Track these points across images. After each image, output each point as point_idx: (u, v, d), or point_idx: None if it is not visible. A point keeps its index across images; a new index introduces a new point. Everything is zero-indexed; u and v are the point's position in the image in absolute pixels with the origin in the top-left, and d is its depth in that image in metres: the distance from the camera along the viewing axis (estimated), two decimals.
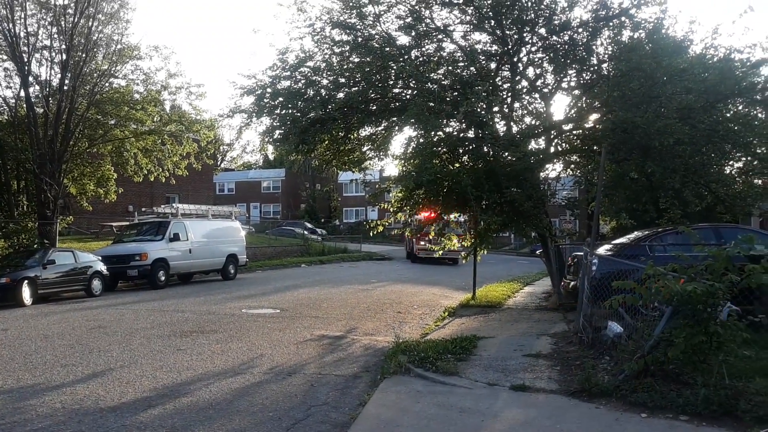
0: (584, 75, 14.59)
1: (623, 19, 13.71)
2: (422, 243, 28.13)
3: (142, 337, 10.13)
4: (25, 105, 24.50)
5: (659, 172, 12.00)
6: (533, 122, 14.44)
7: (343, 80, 15.01)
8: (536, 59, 14.95)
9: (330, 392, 6.88)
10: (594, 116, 14.55)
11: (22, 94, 24.58)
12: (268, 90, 14.68)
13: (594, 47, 14.12)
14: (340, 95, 14.72)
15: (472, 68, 14.58)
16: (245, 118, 14.85)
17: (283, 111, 14.68)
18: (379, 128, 15.99)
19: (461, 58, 14.75)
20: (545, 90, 14.77)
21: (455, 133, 14.21)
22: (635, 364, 6.26)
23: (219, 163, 49.73)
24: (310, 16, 14.56)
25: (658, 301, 6.48)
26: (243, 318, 12.55)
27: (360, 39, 14.56)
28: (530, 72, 15.03)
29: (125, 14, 25.87)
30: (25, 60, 24.06)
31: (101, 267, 18.38)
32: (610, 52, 14.07)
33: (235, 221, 24.84)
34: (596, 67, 14.31)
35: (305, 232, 42.01)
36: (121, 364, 8.11)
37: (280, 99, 14.54)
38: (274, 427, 5.62)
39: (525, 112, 14.87)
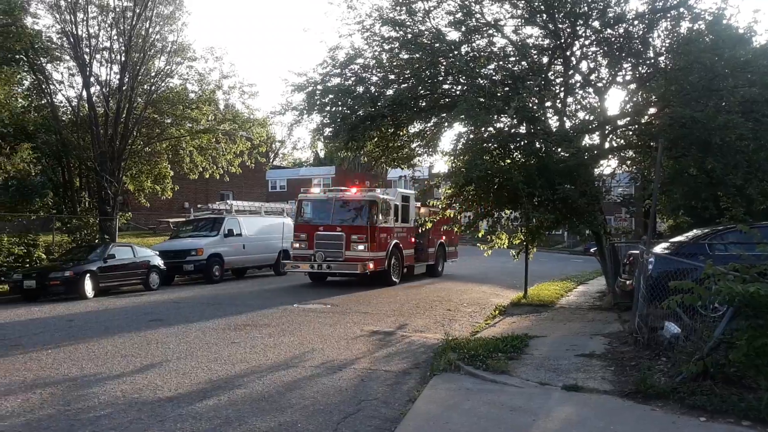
0: (640, 68, 14.19)
1: (681, 10, 13.27)
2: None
3: (197, 330, 10.42)
4: (86, 105, 25.48)
5: (720, 169, 11.56)
6: (587, 117, 14.13)
7: (392, 77, 15.04)
8: (590, 53, 14.63)
9: (380, 387, 6.92)
10: (651, 111, 14.14)
11: (84, 94, 25.58)
12: (319, 87, 14.84)
13: (650, 40, 13.71)
14: (390, 92, 14.75)
15: (523, 63, 14.38)
16: (296, 115, 15.07)
17: (334, 108, 14.80)
18: (429, 124, 15.96)
19: (512, 53, 14.57)
20: (599, 84, 14.43)
21: (506, 128, 14.04)
22: (694, 366, 6.07)
23: (272, 160, 50.56)
24: (359, 13, 14.65)
25: (719, 301, 6.26)
26: (294, 312, 12.75)
27: (409, 35, 14.55)
28: (584, 66, 14.73)
29: (180, 16, 26.58)
30: (87, 61, 25.02)
31: (158, 261, 18.96)
32: (667, 45, 13.64)
33: (287, 218, 25.23)
34: (653, 61, 13.89)
35: None
36: (177, 355, 8.36)
37: (331, 96, 14.68)
38: (325, 420, 5.70)
39: (578, 106, 14.56)
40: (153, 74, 26.21)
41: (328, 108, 14.83)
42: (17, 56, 24.30)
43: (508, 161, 13.90)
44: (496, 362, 7.51)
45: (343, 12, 14.92)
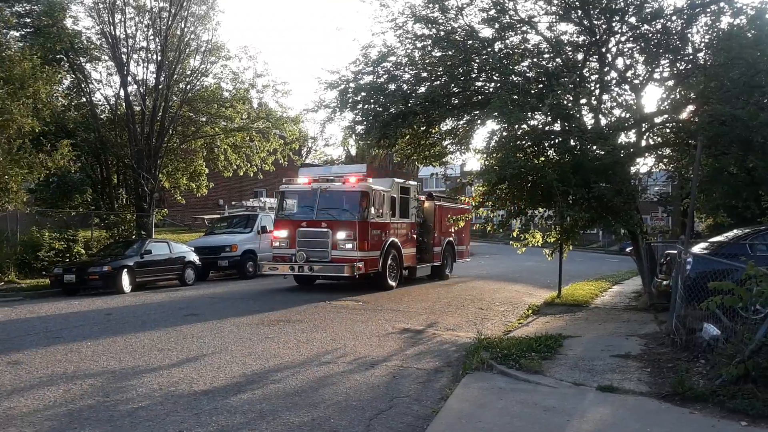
0: (678, 65, 13.89)
1: (722, 4, 12.94)
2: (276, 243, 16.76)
3: (231, 325, 10.57)
4: (124, 103, 26.06)
5: (762, 167, 11.24)
6: (623, 114, 13.89)
7: (424, 74, 15.01)
8: (626, 49, 14.38)
9: (412, 385, 6.92)
10: (689, 108, 13.82)
11: (122, 93, 26.18)
12: (351, 85, 14.89)
13: (689, 35, 13.41)
14: (422, 89, 14.73)
15: (558, 60, 14.21)
16: (329, 112, 15.14)
17: (366, 106, 14.84)
18: (461, 122, 15.88)
19: (546, 50, 14.40)
20: (636, 81, 14.17)
21: (540, 126, 13.90)
22: (735, 368, 5.92)
23: (305, 158, 50.88)
24: (392, 11, 14.64)
25: (760, 303, 6.10)
26: (327, 309, 12.83)
27: (442, 33, 14.50)
28: (620, 63, 14.48)
29: (214, 15, 26.96)
30: (124, 61, 25.57)
31: (194, 257, 19.28)
32: (707, 41, 13.32)
33: None
34: (692, 57, 13.59)
35: None
36: (212, 350, 8.50)
37: (363, 94, 14.71)
38: (357, 416, 5.72)
39: (614, 104, 14.34)
40: (188, 73, 26.66)
41: (360, 105, 14.87)
42: (58, 56, 24.93)
43: (542, 159, 13.75)
44: (529, 362, 7.44)
45: (376, 10, 14.89)
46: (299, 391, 6.49)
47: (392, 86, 14.79)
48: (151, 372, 7.16)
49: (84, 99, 26.43)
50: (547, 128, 13.95)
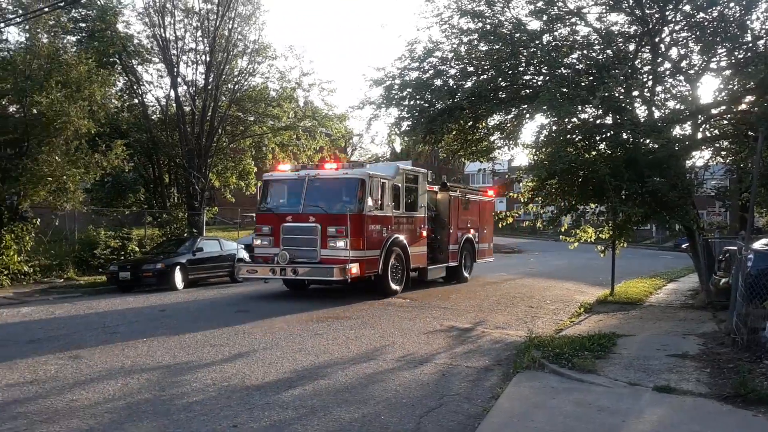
0: (736, 53, 13.33)
1: None
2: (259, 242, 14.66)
3: (281, 321, 10.70)
4: (174, 104, 26.68)
5: None
6: (677, 106, 13.45)
7: (471, 69, 14.85)
8: (680, 39, 13.91)
9: (462, 383, 6.86)
10: (748, 98, 13.28)
11: (172, 94, 26.80)
12: (397, 81, 14.85)
13: (748, 23, 12.87)
14: (468, 84, 14.57)
15: (608, 51, 13.85)
16: (374, 109, 15.13)
17: (411, 102, 14.78)
18: (509, 116, 15.66)
19: (596, 41, 14.06)
20: (691, 71, 13.69)
21: (591, 119, 13.58)
22: None
23: (350, 155, 51.24)
24: (437, 6, 14.54)
25: None
26: (374, 306, 12.85)
27: (488, 26, 14.31)
28: (673, 53, 14.02)
29: (260, 15, 27.33)
30: (174, 62, 26.17)
31: (244, 254, 19.60)
32: (767, 28, 12.77)
33: None
34: (751, 45, 13.03)
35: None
36: (263, 345, 8.61)
37: (408, 90, 14.66)
38: (407, 413, 5.70)
39: (668, 95, 13.87)
40: (236, 73, 27.09)
41: (405, 102, 14.83)
42: (111, 59, 25.70)
43: (594, 153, 13.45)
44: (582, 361, 7.29)
45: (421, 5, 14.86)
46: (349, 388, 6.52)
47: (438, 81, 14.70)
48: (204, 367, 7.31)
49: (136, 100, 27.19)
50: (598, 121, 13.63)
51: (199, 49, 26.45)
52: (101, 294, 15.64)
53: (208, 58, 25.82)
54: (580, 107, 12.83)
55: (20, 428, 5.10)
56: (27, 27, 22.86)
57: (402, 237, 14.84)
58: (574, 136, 13.21)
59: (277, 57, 27.56)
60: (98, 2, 25.54)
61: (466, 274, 18.44)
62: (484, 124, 16.06)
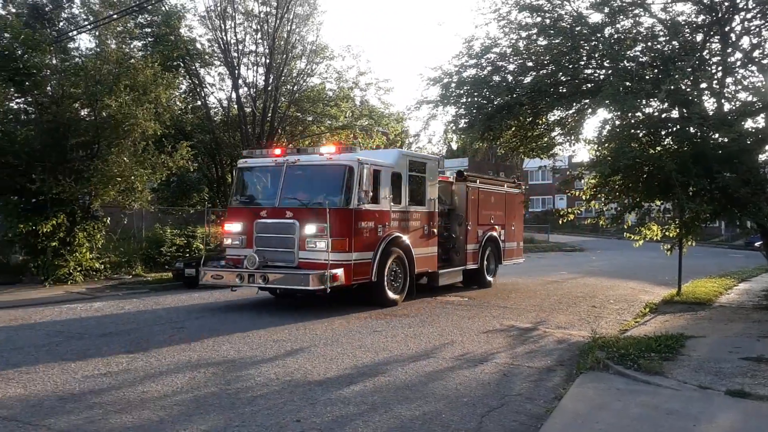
0: None
1: None
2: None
3: (341, 318, 10.82)
4: (236, 105, 27.34)
5: None
6: (749, 98, 12.84)
7: (530, 64, 14.60)
8: (753, 27, 13.26)
9: (523, 383, 6.77)
10: None
11: (233, 96, 27.46)
12: (454, 79, 14.75)
13: None
14: (527, 79, 14.35)
15: (674, 43, 13.35)
16: (431, 108, 15.08)
17: (469, 99, 14.66)
18: (570, 112, 15.31)
19: (661, 33, 13.58)
20: (764, 61, 13.05)
21: (656, 113, 13.14)
22: None
23: None
24: (495, 1, 14.36)
25: None
26: (432, 304, 12.83)
27: (548, 21, 14.03)
28: (745, 42, 13.38)
29: (317, 16, 27.65)
30: (235, 65, 26.80)
31: None
32: None
33: None
34: None
35: None
36: (324, 341, 8.73)
37: (466, 87, 14.54)
38: (469, 412, 5.67)
39: (739, 87, 13.26)
40: (295, 74, 27.52)
41: (463, 99, 14.72)
42: (175, 63, 26.52)
43: (659, 148, 13.00)
44: (648, 362, 7.07)
45: (479, 2, 14.70)
46: (409, 385, 6.53)
47: (496, 78, 14.51)
48: (267, 362, 7.46)
49: (199, 102, 27.97)
50: (663, 115, 13.18)
51: (258, 52, 27.01)
52: (167, 290, 16.17)
53: (267, 60, 26.33)
54: (644, 101, 12.42)
55: (96, 417, 5.34)
56: (97, 34, 23.89)
57: (404, 236, 12.66)
58: (639, 131, 12.82)
59: (334, 57, 27.85)
60: (163, 8, 26.40)
61: (489, 278, 16.10)
62: (544, 119, 15.76)
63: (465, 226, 15.11)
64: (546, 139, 16.22)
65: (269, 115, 26.08)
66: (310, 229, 11.24)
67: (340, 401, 5.90)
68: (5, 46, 16.07)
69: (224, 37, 26.37)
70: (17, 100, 17.35)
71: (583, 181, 15.08)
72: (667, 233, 13.86)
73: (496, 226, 16.51)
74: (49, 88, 16.83)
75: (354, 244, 11.38)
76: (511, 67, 14.75)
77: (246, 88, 27.38)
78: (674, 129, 12.80)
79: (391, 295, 12.31)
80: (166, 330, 9.76)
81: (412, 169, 13.28)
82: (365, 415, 5.51)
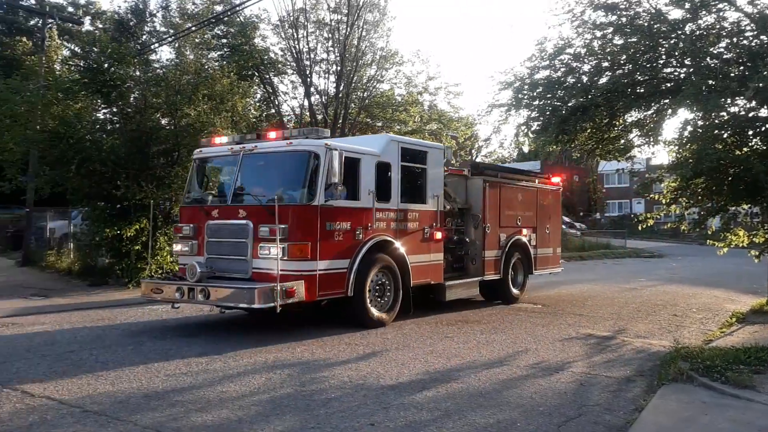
0: None
1: None
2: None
3: (412, 323, 10.79)
4: (308, 113, 27.91)
5: None
6: None
7: (606, 64, 14.17)
8: None
9: (601, 393, 6.56)
10: None
11: (305, 103, 28.07)
12: (526, 82, 14.50)
13: None
14: (603, 80, 13.94)
15: (762, 37, 12.63)
16: (503, 111, 14.88)
17: (542, 101, 14.37)
18: (648, 112, 14.74)
19: (749, 28, 12.88)
20: None
21: (742, 112, 12.46)
22: None
23: (475, 158, 50.79)
24: (568, 2, 14.04)
25: None
26: (504, 311, 12.64)
27: (624, 19, 13.61)
28: None
29: (387, 23, 27.90)
30: (307, 73, 27.38)
31: None
32: None
33: None
34: None
35: (563, 227, 40.86)
36: (395, 346, 8.76)
37: (539, 89, 14.27)
38: (545, 422, 5.54)
39: None
40: (365, 81, 27.84)
41: (536, 102, 14.45)
42: (250, 72, 27.33)
43: (746, 149, 12.33)
44: (737, 375, 6.70)
45: (551, 2, 14.40)
46: (483, 392, 6.45)
47: (570, 79, 14.17)
48: (340, 365, 7.55)
49: (273, 110, 28.73)
50: (751, 114, 12.48)
51: (330, 59, 27.51)
52: None
53: (338, 68, 26.76)
54: (729, 100, 11.82)
55: (178, 415, 5.54)
56: (176, 46, 24.95)
57: (395, 240, 10.56)
58: (723, 131, 12.20)
59: (403, 63, 28.04)
60: (238, 19, 27.30)
61: (515, 291, 13.85)
62: (621, 121, 15.25)
63: (483, 229, 12.92)
64: (623, 141, 15.68)
65: (340, 121, 26.46)
66: (263, 231, 9.08)
67: (413, 406, 5.89)
68: (94, 60, 17.01)
69: (296, 46, 27.02)
70: (104, 111, 18.34)
71: (662, 184, 14.45)
72: (755, 239, 13.11)
73: (525, 229, 14.18)
74: (132, 98, 17.67)
75: (321, 251, 9.22)
76: (586, 67, 14.37)
77: (318, 96, 27.93)
78: (763, 128, 12.12)
79: (375, 313, 10.17)
80: (241, 331, 10.04)
81: (408, 158, 11.12)
82: (438, 422, 5.48)
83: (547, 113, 14.19)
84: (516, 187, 14.21)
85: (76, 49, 32.70)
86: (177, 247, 10.54)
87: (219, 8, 27.44)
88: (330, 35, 27.24)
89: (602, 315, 12.35)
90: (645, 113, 14.67)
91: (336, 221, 9.58)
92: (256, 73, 27.62)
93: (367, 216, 10.14)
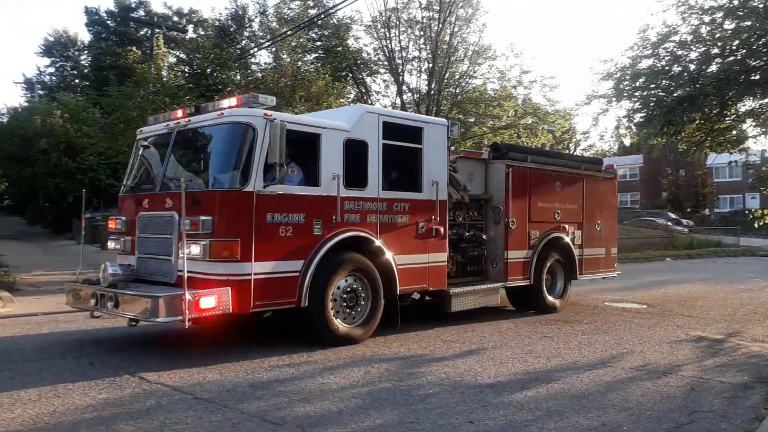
0: None
1: None
2: None
3: (508, 321, 10.62)
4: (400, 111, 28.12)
5: None
6: None
7: (715, 51, 13.39)
8: None
9: (715, 399, 6.17)
10: None
11: (398, 101, 28.25)
12: (627, 72, 13.99)
13: None
14: (712, 68, 13.19)
15: None
16: (604, 103, 14.41)
17: (645, 92, 13.81)
18: (764, 101, 13.80)
19: None
20: None
21: None
22: None
23: (572, 151, 49.19)
24: None
25: None
26: (606, 311, 12.18)
27: (736, 1, 12.78)
28: None
29: (479, 17, 27.59)
30: (399, 71, 27.54)
31: None
32: None
33: None
34: None
35: (669, 223, 38.89)
36: (492, 344, 8.65)
37: (641, 80, 13.72)
38: (653, 427, 5.29)
39: None
40: (457, 77, 27.66)
41: (638, 93, 13.89)
42: (344, 73, 27.86)
43: None
44: None
45: None
46: (585, 394, 6.24)
47: (676, 68, 13.51)
48: (437, 361, 7.54)
49: None
50: None
51: (421, 57, 27.55)
52: None
53: (430, 65, 26.75)
54: None
55: (282, 405, 5.74)
56: (273, 50, 25.81)
57: (374, 236, 8.55)
58: None
59: (496, 57, 27.61)
60: (332, 21, 27.90)
61: (552, 299, 11.66)
62: (733, 110, 14.35)
63: (506, 224, 10.75)
64: (736, 132, 14.76)
65: None
66: (186, 225, 7.25)
67: (512, 405, 5.80)
68: (198, 65, 17.97)
69: (389, 45, 27.25)
70: None
71: None
72: None
73: (566, 225, 11.88)
74: None
75: (258, 249, 7.35)
76: (693, 55, 13.66)
77: (410, 94, 28.05)
78: None
79: (341, 327, 8.22)
80: None
81: (394, 136, 8.94)
82: (539, 422, 5.36)
83: (651, 104, 13.62)
84: (553, 174, 11.82)
85: (182, 55, 34.64)
86: (110, 245, 8.91)
87: (313, 12, 28.17)
88: (422, 33, 27.27)
89: (714, 317, 11.63)
90: (760, 102, 13.74)
91: (282, 212, 7.61)
92: (350, 74, 28.13)
93: (331, 206, 8.07)
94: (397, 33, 27.36)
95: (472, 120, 28.35)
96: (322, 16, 26.72)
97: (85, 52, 44.65)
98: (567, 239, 11.89)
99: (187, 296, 6.86)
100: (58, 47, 44.28)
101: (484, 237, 10.73)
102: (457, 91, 27.32)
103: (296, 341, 8.46)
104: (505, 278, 10.76)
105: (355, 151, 8.44)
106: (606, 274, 13.22)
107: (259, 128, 7.44)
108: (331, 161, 8.14)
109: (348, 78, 28.58)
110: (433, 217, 9.36)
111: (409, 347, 8.37)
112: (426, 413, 5.52)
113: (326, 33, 28.75)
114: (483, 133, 27.86)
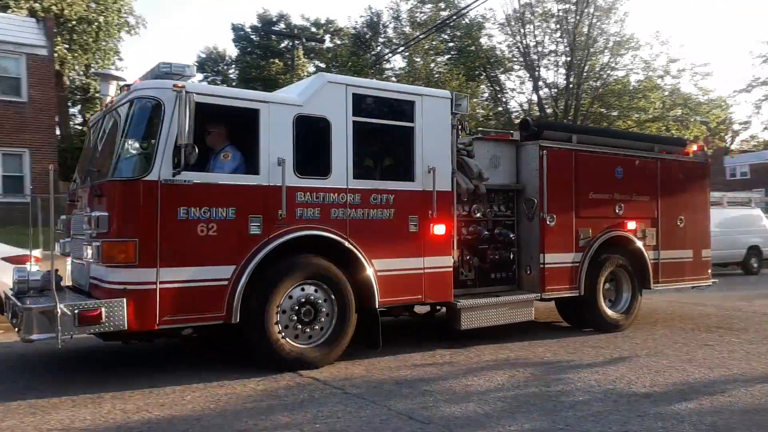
0: None
1: None
2: None
3: (662, 327, 9.96)
4: (536, 107, 27.36)
5: None
6: None
7: None
8: None
9: None
10: None
11: (533, 98, 27.59)
12: None
13: None
14: None
15: None
16: (767, 89, 13.02)
17: None
18: None
19: None
20: None
21: None
22: None
23: (730, 144, 45.39)
24: None
25: None
26: None
27: None
28: None
29: (620, 6, 26.23)
30: (535, 66, 26.85)
31: None
32: None
33: (755, 209, 22.28)
34: None
35: None
36: (646, 352, 8.13)
37: None
38: None
39: None
40: (597, 69, 26.46)
41: None
42: (477, 72, 27.64)
43: None
44: None
45: None
46: (759, 409, 5.67)
47: None
48: (585, 368, 7.22)
49: (500, 108, 28.72)
50: None
51: (558, 51, 26.68)
52: None
53: (568, 58, 25.83)
54: None
55: (428, 404, 5.77)
56: (407, 54, 26.17)
57: (342, 237, 6.98)
58: None
59: (640, 47, 26.10)
60: (464, 21, 27.78)
61: (611, 313, 9.52)
62: None
63: (541, 220, 8.69)
64: None
65: (571, 113, 25.52)
66: (93, 221, 6.18)
67: (672, 417, 5.40)
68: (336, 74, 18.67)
69: (523, 41, 26.67)
70: None
71: None
72: None
73: (631, 222, 9.57)
74: None
75: (165, 252, 5.99)
76: None
77: (546, 89, 27.28)
78: None
79: (293, 347, 6.76)
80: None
81: (369, 112, 7.27)
82: None
83: None
84: (611, 158, 9.43)
85: (321, 65, 36.17)
86: (57, 248, 7.57)
87: (445, 13, 28.20)
88: (558, 26, 26.41)
89: None
90: None
91: (202, 206, 6.17)
92: (483, 73, 27.86)
93: (275, 199, 6.54)
94: (531, 28, 26.71)
95: (615, 114, 26.98)
96: (455, 17, 26.69)
97: (233, 66, 47.97)
98: (634, 239, 9.64)
99: (60, 309, 5.56)
100: (209, 63, 47.94)
101: (512, 236, 8.76)
102: (598, 84, 26.11)
103: (442, 340, 8.50)
104: (542, 288, 8.70)
105: (311, 131, 6.84)
106: (695, 283, 10.61)
107: (167, 103, 6.05)
108: (275, 143, 6.57)
109: (482, 77, 28.30)
110: (430, 212, 7.54)
111: (555, 352, 8.09)
112: (577, 421, 5.30)
113: (458, 33, 28.69)
114: (628, 128, 26.43)
